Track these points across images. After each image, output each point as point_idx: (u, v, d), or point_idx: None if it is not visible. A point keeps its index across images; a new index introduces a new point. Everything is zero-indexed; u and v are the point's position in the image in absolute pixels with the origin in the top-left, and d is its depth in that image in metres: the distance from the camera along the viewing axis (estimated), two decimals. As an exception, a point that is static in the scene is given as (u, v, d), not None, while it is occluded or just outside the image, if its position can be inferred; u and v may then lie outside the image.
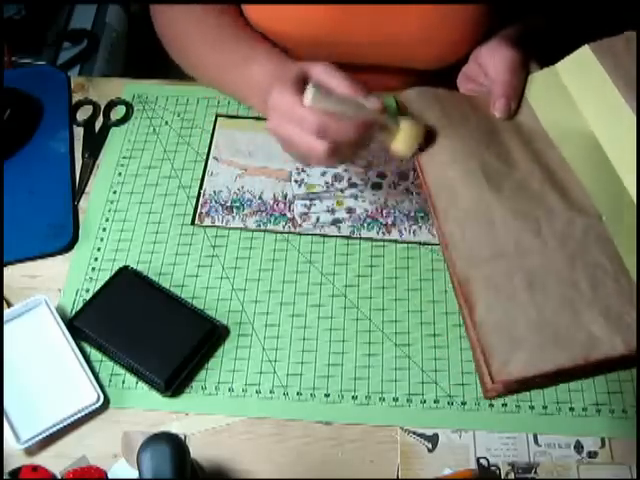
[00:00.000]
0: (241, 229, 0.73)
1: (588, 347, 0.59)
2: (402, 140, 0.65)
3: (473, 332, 0.61)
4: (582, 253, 0.63)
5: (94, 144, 0.79)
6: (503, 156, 0.70)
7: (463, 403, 0.62)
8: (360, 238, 0.72)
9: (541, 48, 0.77)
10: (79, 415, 0.60)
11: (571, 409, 0.62)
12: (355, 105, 0.61)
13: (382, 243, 0.72)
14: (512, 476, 0.59)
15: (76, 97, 0.84)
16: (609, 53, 0.68)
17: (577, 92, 0.70)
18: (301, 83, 0.62)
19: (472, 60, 0.76)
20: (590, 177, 0.67)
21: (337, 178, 0.76)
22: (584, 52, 0.69)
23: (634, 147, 0.62)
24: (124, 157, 0.78)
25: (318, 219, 0.73)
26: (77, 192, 0.76)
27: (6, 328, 0.64)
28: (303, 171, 0.77)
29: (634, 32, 0.69)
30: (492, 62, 0.73)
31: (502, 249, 0.64)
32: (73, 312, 0.67)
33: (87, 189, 0.76)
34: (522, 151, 0.70)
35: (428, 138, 0.69)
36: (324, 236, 0.72)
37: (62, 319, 0.65)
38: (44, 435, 0.59)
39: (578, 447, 0.60)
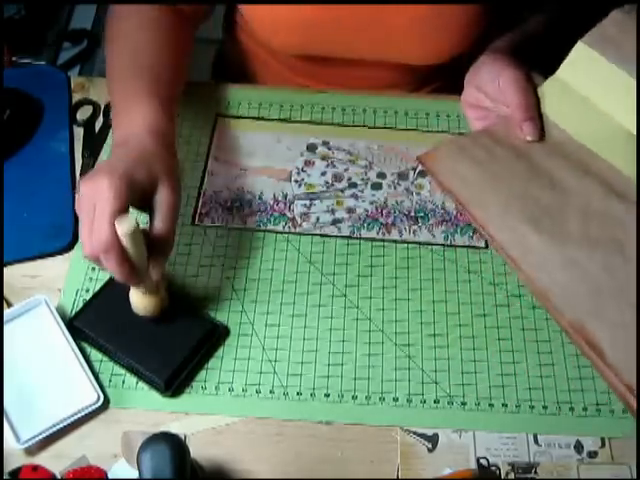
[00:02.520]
0: (241, 229, 0.73)
1: None
2: (139, 303, 0.62)
3: (611, 375, 0.60)
4: None
5: (94, 144, 0.79)
6: (549, 184, 0.69)
7: (463, 403, 0.62)
8: (360, 238, 0.72)
9: (541, 54, 0.77)
10: (79, 415, 0.60)
11: (571, 409, 0.62)
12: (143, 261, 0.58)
13: (382, 243, 0.72)
14: (512, 476, 0.59)
15: (76, 97, 0.84)
16: (604, 41, 0.67)
17: (589, 91, 0.69)
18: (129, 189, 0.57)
19: (470, 86, 0.75)
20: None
21: (337, 178, 0.76)
22: (581, 49, 0.68)
23: None
24: (124, 157, 0.78)
25: (318, 219, 0.73)
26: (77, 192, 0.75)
27: (6, 328, 0.64)
28: (303, 171, 0.77)
29: (619, 10, 0.68)
30: (498, 86, 0.71)
31: (598, 284, 0.62)
32: (73, 312, 0.67)
33: (87, 189, 0.76)
34: (565, 168, 0.69)
35: (470, 192, 0.69)
36: (324, 236, 0.72)
37: (62, 319, 0.65)
38: (44, 435, 0.59)
39: (578, 447, 0.60)
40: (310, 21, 0.78)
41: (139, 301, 0.62)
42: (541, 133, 0.72)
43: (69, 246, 0.71)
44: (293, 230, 0.73)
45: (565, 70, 0.70)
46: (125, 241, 0.56)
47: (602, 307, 0.62)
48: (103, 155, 0.78)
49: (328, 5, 0.76)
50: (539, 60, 0.75)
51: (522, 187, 0.69)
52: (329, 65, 0.85)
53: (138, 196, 0.58)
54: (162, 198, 0.60)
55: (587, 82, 0.69)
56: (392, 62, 0.83)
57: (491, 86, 0.72)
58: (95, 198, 0.56)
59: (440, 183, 0.73)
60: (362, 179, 0.76)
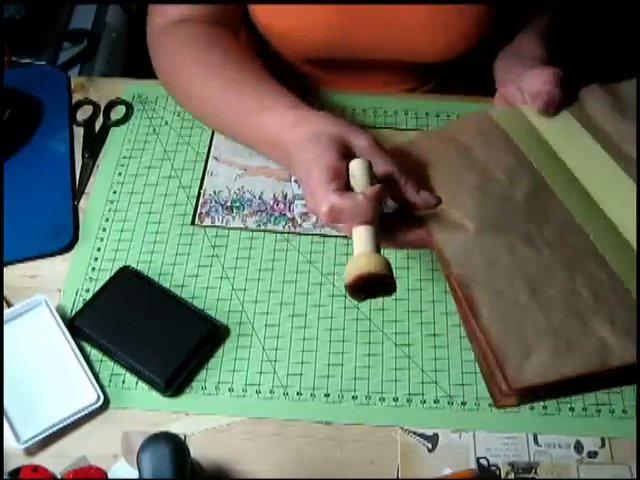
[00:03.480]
0: (241, 229, 0.73)
1: (603, 354, 0.57)
2: (356, 265, 0.54)
3: (481, 336, 0.58)
4: (579, 265, 0.62)
5: (94, 144, 0.79)
6: (481, 172, 0.67)
7: (463, 403, 0.62)
8: (360, 238, 0.72)
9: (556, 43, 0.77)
10: (79, 415, 0.60)
11: (571, 409, 0.62)
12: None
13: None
14: (512, 476, 0.59)
15: (76, 97, 0.84)
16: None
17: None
18: (339, 149, 0.57)
19: (512, 85, 0.72)
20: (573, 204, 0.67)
21: (337, 178, 0.76)
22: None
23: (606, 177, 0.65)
24: (124, 157, 0.78)
25: (318, 219, 0.73)
26: (77, 192, 0.76)
27: (6, 328, 0.64)
28: (303, 171, 0.77)
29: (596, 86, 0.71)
30: (534, 93, 0.69)
31: (497, 256, 0.62)
32: (73, 312, 0.67)
33: (87, 189, 0.76)
34: (499, 162, 0.68)
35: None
36: (324, 236, 0.72)
37: (62, 319, 0.65)
38: (44, 435, 0.59)
39: (578, 447, 0.60)
40: (317, 22, 0.78)
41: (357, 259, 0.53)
42: (554, 108, 0.70)
43: (69, 246, 0.71)
44: (293, 230, 0.73)
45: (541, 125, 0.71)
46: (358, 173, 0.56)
47: (494, 276, 0.60)
48: (103, 155, 0.78)
49: (336, 6, 0.76)
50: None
51: (457, 175, 0.66)
52: (331, 65, 0.85)
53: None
54: (362, 145, 0.59)
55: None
56: (399, 61, 0.82)
57: (532, 91, 0.71)
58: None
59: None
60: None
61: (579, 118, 0.70)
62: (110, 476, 0.58)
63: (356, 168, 0.57)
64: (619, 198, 0.65)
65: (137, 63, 1.41)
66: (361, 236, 0.54)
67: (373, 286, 0.53)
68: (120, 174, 0.77)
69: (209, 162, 0.78)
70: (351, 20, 0.77)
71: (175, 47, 0.74)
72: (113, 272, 0.68)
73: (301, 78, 0.88)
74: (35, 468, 0.57)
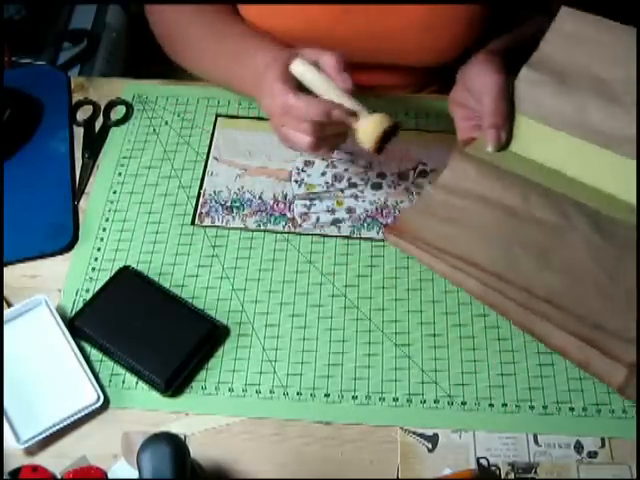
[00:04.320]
0: (241, 229, 0.73)
1: None
2: (367, 130, 0.64)
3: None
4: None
5: (94, 144, 0.79)
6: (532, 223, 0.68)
7: (463, 403, 0.62)
8: (360, 238, 0.72)
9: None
10: (79, 415, 0.60)
11: (571, 409, 0.62)
12: (334, 91, 0.64)
13: (382, 243, 0.72)
14: (512, 476, 0.59)
15: (76, 97, 0.84)
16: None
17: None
18: (288, 61, 0.65)
19: (460, 84, 0.73)
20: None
21: (337, 178, 0.76)
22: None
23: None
24: (124, 157, 0.78)
25: (318, 219, 0.73)
26: (77, 192, 0.76)
27: (6, 328, 0.64)
28: (303, 171, 0.77)
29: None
30: (480, 89, 0.70)
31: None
32: (73, 312, 0.67)
33: (87, 189, 0.76)
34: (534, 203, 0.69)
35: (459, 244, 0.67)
36: (324, 236, 0.72)
37: (62, 319, 0.65)
38: (44, 435, 0.59)
39: (578, 447, 0.60)
40: (311, 23, 0.78)
41: (366, 123, 0.63)
42: (502, 143, 0.70)
43: (69, 246, 0.71)
44: (293, 230, 0.73)
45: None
46: (303, 71, 0.64)
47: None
48: (103, 155, 0.79)
49: (329, 6, 0.76)
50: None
51: (513, 231, 0.67)
52: None
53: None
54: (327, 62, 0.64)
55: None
56: (393, 63, 0.83)
57: (477, 86, 0.71)
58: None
59: (423, 245, 0.68)
60: (362, 179, 0.76)
61: (530, 112, 0.69)
62: (110, 476, 0.58)
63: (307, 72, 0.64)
64: (604, 172, 0.66)
65: (137, 63, 1.42)
66: (347, 101, 0.63)
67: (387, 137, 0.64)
68: (120, 174, 0.77)
69: (209, 162, 0.78)
70: (340, 21, 0.77)
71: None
72: (113, 272, 0.68)
73: None
74: (35, 468, 0.57)
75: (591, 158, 0.67)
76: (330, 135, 0.65)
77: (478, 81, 0.70)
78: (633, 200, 0.67)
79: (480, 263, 0.65)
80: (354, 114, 0.63)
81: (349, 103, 0.63)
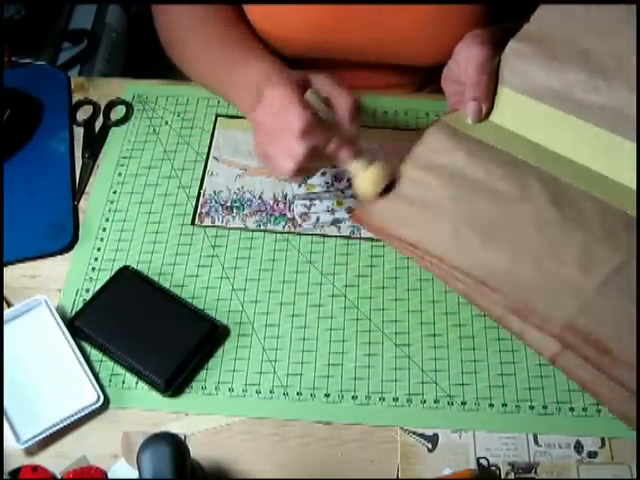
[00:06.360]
0: (241, 229, 0.73)
1: None
2: (368, 180, 0.65)
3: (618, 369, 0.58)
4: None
5: (94, 144, 0.79)
6: (489, 198, 0.67)
7: (463, 403, 0.62)
8: (360, 238, 0.72)
9: None
10: (79, 415, 0.60)
11: (571, 409, 0.62)
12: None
13: (382, 243, 0.72)
14: (512, 476, 0.59)
15: (76, 97, 0.84)
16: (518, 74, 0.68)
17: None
18: (300, 86, 0.62)
19: (452, 60, 0.73)
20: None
21: (337, 178, 0.76)
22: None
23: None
24: (124, 157, 0.78)
25: (318, 219, 0.73)
26: (77, 192, 0.76)
27: (6, 328, 0.64)
28: (303, 171, 0.77)
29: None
30: (465, 61, 0.69)
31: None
32: (73, 312, 0.67)
33: (87, 189, 0.76)
34: (501, 178, 0.68)
35: (416, 231, 0.66)
36: (324, 236, 0.72)
37: (62, 319, 0.65)
38: (44, 435, 0.59)
39: (578, 447, 0.60)
40: (314, 22, 0.78)
41: (368, 176, 0.64)
42: (482, 115, 0.70)
43: (69, 246, 0.71)
44: (293, 230, 0.73)
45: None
46: (316, 103, 0.62)
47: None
48: (103, 155, 0.79)
49: (333, 6, 0.76)
50: None
51: (465, 208, 0.66)
52: (330, 66, 0.84)
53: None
54: (322, 81, 0.64)
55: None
56: (394, 63, 0.83)
57: (463, 60, 0.71)
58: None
59: (385, 234, 0.68)
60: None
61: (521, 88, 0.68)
62: (110, 476, 0.58)
63: (313, 99, 0.63)
64: (581, 144, 0.65)
65: (137, 63, 1.42)
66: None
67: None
68: (120, 174, 0.77)
69: (209, 162, 0.78)
70: (343, 21, 0.77)
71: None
72: (113, 272, 0.68)
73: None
74: (35, 468, 0.57)
75: (571, 130, 0.67)
76: (312, 166, 0.65)
77: (464, 53, 0.70)
78: (607, 172, 0.65)
79: (427, 247, 0.65)
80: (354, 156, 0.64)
81: (352, 145, 0.63)
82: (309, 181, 0.76)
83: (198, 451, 0.58)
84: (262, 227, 0.73)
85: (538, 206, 0.64)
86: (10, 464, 0.58)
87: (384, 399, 0.63)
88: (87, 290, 0.69)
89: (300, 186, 0.76)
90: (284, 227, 0.73)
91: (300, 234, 0.72)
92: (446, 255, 0.64)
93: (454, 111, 0.71)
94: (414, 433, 0.61)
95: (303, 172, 0.64)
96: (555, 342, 0.59)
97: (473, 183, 0.66)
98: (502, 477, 0.59)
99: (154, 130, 0.81)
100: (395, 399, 0.63)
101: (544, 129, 0.68)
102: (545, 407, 0.62)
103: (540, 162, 0.67)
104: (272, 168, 0.64)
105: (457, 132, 0.70)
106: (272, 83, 0.62)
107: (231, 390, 0.63)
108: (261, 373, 0.64)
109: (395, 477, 0.59)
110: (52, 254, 0.71)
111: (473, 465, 0.59)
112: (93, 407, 0.61)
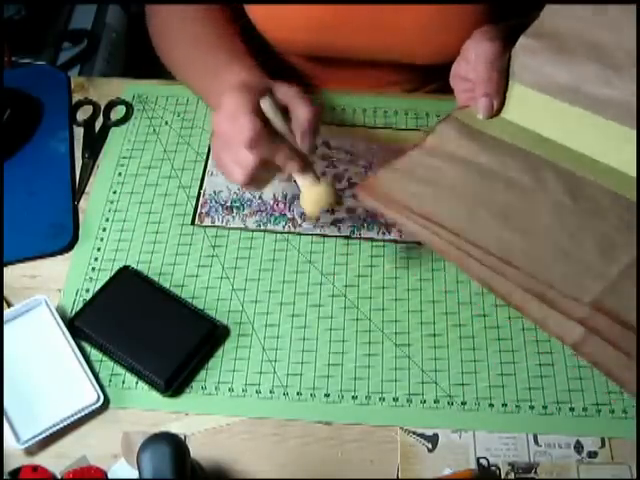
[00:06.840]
0: (241, 229, 0.73)
1: None
2: (308, 200, 0.64)
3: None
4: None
5: (94, 144, 0.79)
6: (505, 186, 0.67)
7: (463, 403, 0.62)
8: (360, 238, 0.72)
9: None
10: (79, 415, 0.60)
11: (571, 409, 0.62)
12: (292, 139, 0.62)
13: (382, 243, 0.72)
14: (512, 476, 0.59)
15: (76, 97, 0.84)
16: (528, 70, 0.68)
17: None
18: (259, 94, 0.61)
19: (461, 57, 0.73)
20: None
21: (337, 178, 0.76)
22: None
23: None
24: (124, 157, 0.78)
25: (318, 219, 0.73)
26: (77, 192, 0.76)
27: (6, 328, 0.64)
28: (303, 171, 0.77)
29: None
30: (475, 57, 0.69)
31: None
32: (73, 312, 0.67)
33: (87, 189, 0.76)
34: (516, 169, 0.67)
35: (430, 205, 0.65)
36: (324, 236, 0.72)
37: (62, 319, 0.65)
38: (44, 435, 0.59)
39: (578, 447, 0.60)
40: (316, 21, 0.78)
41: (310, 195, 0.64)
42: (493, 111, 0.70)
43: (69, 246, 0.71)
44: (293, 230, 0.73)
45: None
46: (270, 112, 0.61)
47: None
48: (103, 155, 0.79)
49: (334, 5, 0.76)
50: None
51: (480, 192, 0.65)
52: (331, 65, 0.85)
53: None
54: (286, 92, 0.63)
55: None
56: (396, 61, 0.82)
57: (471, 56, 0.71)
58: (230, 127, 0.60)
59: (393, 205, 0.65)
60: (362, 179, 0.76)
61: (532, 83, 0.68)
62: (110, 476, 0.58)
63: (269, 109, 0.61)
64: (592, 137, 0.65)
65: (137, 63, 1.42)
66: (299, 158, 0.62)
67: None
68: (120, 174, 0.77)
69: (209, 162, 0.78)
70: (345, 20, 0.77)
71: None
72: (113, 272, 0.68)
73: (301, 76, 0.88)
74: (35, 468, 0.57)
75: (583, 124, 0.67)
76: (265, 177, 0.64)
77: (473, 50, 0.70)
78: (619, 166, 0.65)
79: (443, 222, 0.63)
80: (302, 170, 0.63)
81: (301, 161, 0.62)
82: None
83: (198, 451, 0.58)
84: (262, 227, 0.73)
85: (555, 196, 0.64)
86: (10, 464, 0.58)
87: (384, 399, 0.63)
88: (87, 290, 0.69)
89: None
90: (284, 227, 0.73)
91: (300, 234, 0.72)
92: (463, 231, 0.62)
93: (464, 107, 0.71)
94: (414, 433, 0.61)
95: (256, 181, 0.63)
96: (579, 327, 0.57)
97: (488, 172, 0.66)
98: (502, 477, 0.59)
99: (154, 130, 0.81)
100: (395, 399, 0.63)
101: (556, 124, 0.68)
102: (545, 407, 0.62)
103: (554, 156, 0.67)
104: (225, 174, 0.64)
105: (469, 127, 0.70)
106: (231, 89, 0.61)
107: (231, 390, 0.63)
108: (261, 373, 0.64)
109: (395, 477, 0.59)
110: (52, 254, 0.71)
111: (473, 465, 0.59)
112: (93, 407, 0.61)
